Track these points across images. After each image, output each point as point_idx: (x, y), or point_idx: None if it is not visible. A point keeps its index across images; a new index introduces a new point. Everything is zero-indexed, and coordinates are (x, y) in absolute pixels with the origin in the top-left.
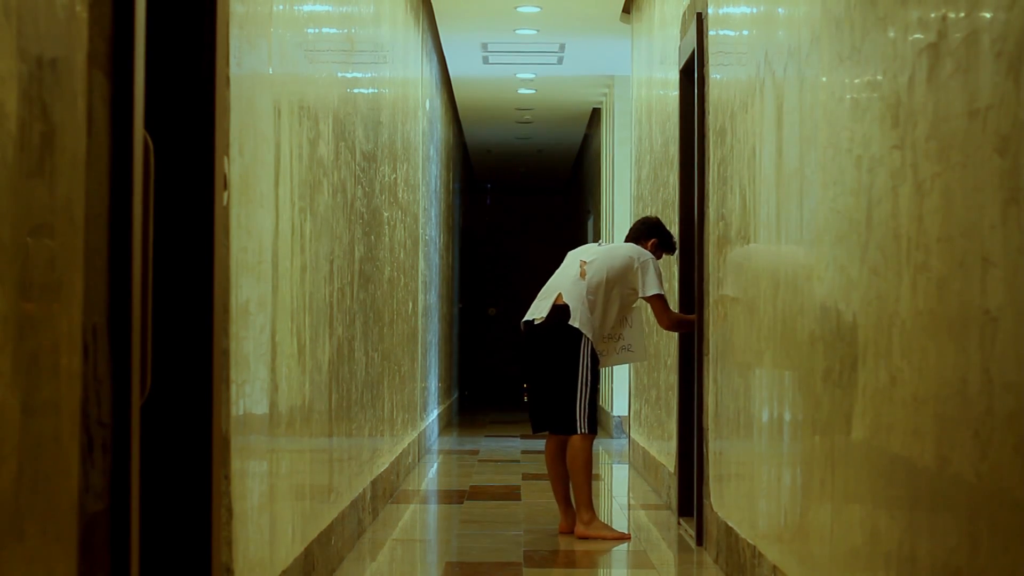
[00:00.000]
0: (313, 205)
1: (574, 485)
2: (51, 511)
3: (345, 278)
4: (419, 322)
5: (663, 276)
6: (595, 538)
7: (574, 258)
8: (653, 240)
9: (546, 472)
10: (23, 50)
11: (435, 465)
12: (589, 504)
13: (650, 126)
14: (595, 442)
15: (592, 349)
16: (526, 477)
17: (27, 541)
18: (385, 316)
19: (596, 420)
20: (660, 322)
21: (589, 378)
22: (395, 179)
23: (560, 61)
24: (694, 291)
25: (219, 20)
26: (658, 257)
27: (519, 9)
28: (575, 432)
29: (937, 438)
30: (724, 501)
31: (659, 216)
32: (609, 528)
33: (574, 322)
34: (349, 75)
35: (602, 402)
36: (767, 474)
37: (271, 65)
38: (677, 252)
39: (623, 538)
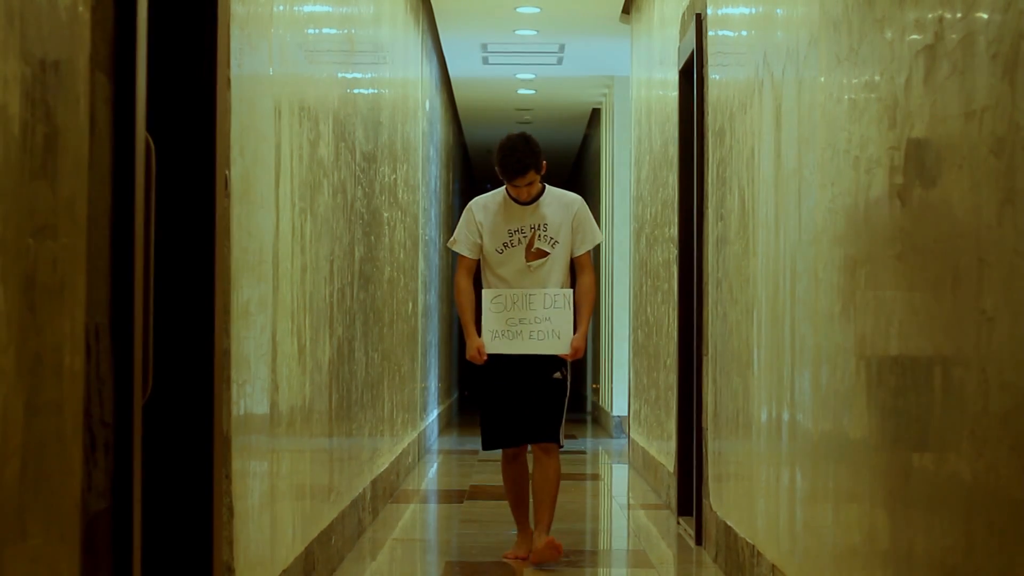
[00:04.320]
0: (313, 206)
1: None
2: (54, 510)
3: (345, 278)
4: (419, 322)
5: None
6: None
7: None
8: (496, 168)
9: None
10: (26, 52)
11: (435, 465)
12: (515, 520)
13: (649, 126)
14: (594, 442)
15: (486, 367)
16: None
17: (30, 540)
18: (385, 316)
19: (489, 436)
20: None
21: (484, 396)
22: (395, 179)
23: (560, 61)
24: (694, 291)
25: (220, 21)
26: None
27: (519, 9)
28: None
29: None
30: (723, 500)
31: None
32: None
33: None
34: (349, 76)
35: (602, 402)
36: (766, 474)
37: (271, 66)
38: (677, 252)
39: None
